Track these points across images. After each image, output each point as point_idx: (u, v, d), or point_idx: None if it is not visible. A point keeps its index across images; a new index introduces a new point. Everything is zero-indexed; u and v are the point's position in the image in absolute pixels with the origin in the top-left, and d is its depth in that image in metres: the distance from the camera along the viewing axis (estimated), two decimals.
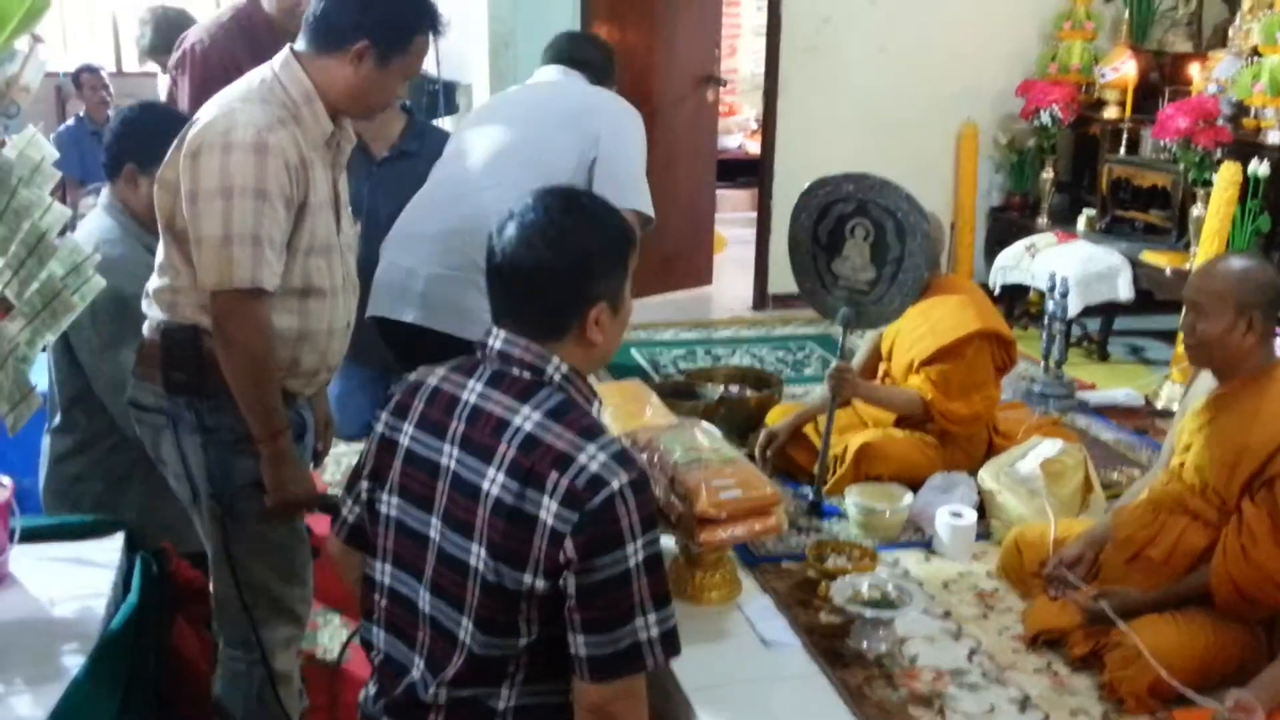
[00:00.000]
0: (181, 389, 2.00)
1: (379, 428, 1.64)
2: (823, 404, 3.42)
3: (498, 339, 1.57)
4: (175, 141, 1.99)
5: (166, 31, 4.24)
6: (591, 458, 1.44)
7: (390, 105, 3.76)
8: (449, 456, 1.54)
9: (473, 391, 1.56)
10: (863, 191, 3.20)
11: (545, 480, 1.44)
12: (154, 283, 2.06)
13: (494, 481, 1.48)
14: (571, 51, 3.11)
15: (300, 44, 2.05)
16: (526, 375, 1.54)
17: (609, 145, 2.84)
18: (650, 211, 2.87)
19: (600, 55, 3.14)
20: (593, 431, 1.49)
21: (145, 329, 2.08)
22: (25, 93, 1.86)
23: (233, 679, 2.18)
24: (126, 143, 2.49)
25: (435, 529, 1.54)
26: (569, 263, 1.54)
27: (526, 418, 1.50)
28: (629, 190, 2.82)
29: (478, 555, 1.48)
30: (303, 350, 2.06)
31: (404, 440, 1.60)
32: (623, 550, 1.43)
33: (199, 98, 3.13)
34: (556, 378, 1.54)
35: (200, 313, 1.98)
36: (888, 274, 3.22)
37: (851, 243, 3.25)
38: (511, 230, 1.55)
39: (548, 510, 1.43)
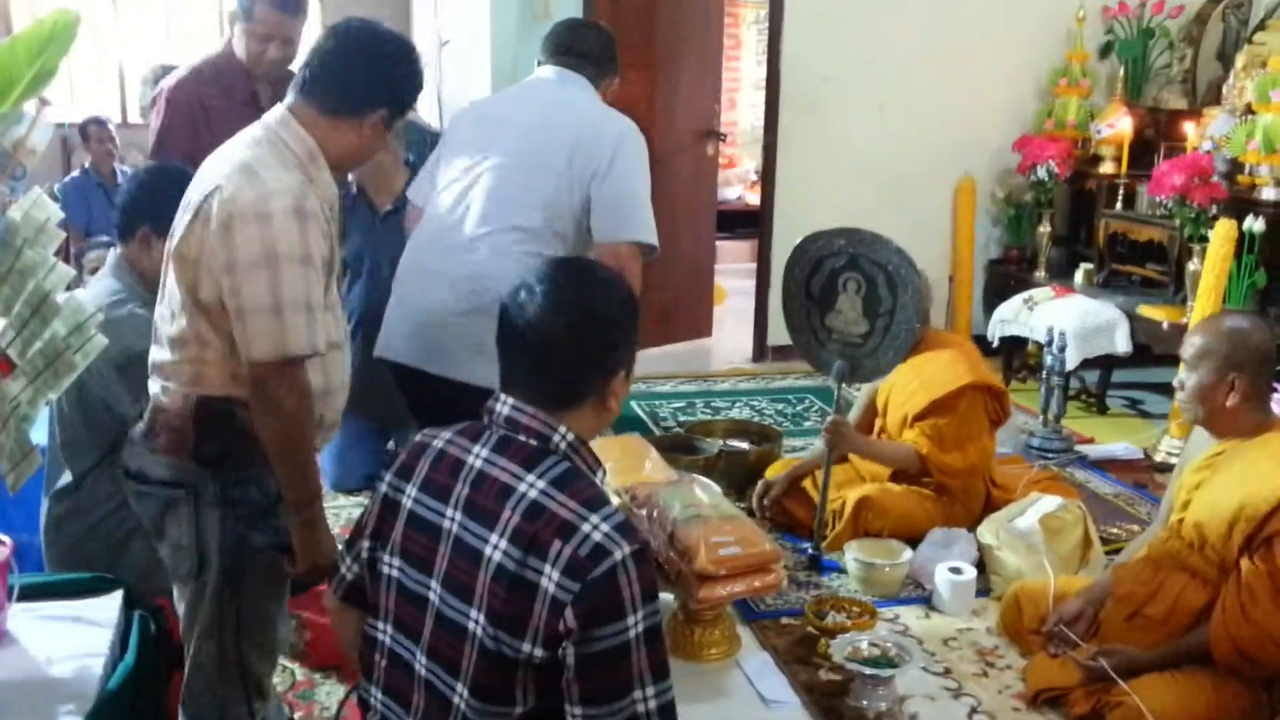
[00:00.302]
0: (212, 462, 1.94)
1: (382, 488, 1.64)
2: (819, 457, 3.43)
3: (505, 405, 1.58)
4: (188, 212, 1.92)
5: None
6: (595, 528, 1.44)
7: (394, 159, 3.85)
8: (451, 520, 1.54)
9: (478, 456, 1.56)
10: (854, 245, 3.23)
11: (548, 549, 1.44)
12: (168, 355, 1.97)
13: (496, 547, 1.48)
14: (570, 43, 2.94)
15: (298, 101, 1.98)
16: (533, 442, 1.55)
17: (606, 177, 2.71)
18: (654, 240, 2.73)
19: (600, 44, 2.97)
20: (596, 502, 1.49)
21: (161, 401, 1.99)
22: (32, 155, 1.87)
23: None
24: (141, 205, 2.46)
25: (435, 592, 1.54)
26: (596, 335, 1.56)
27: (531, 485, 1.50)
28: (631, 220, 2.71)
29: (477, 621, 1.48)
30: (326, 406, 2.03)
31: (407, 502, 1.60)
32: (623, 621, 1.42)
33: (164, 136, 3.24)
34: (562, 446, 1.55)
35: (232, 384, 1.92)
36: (880, 326, 3.24)
37: (844, 296, 3.28)
38: (532, 302, 1.55)
39: (549, 579, 1.43)
